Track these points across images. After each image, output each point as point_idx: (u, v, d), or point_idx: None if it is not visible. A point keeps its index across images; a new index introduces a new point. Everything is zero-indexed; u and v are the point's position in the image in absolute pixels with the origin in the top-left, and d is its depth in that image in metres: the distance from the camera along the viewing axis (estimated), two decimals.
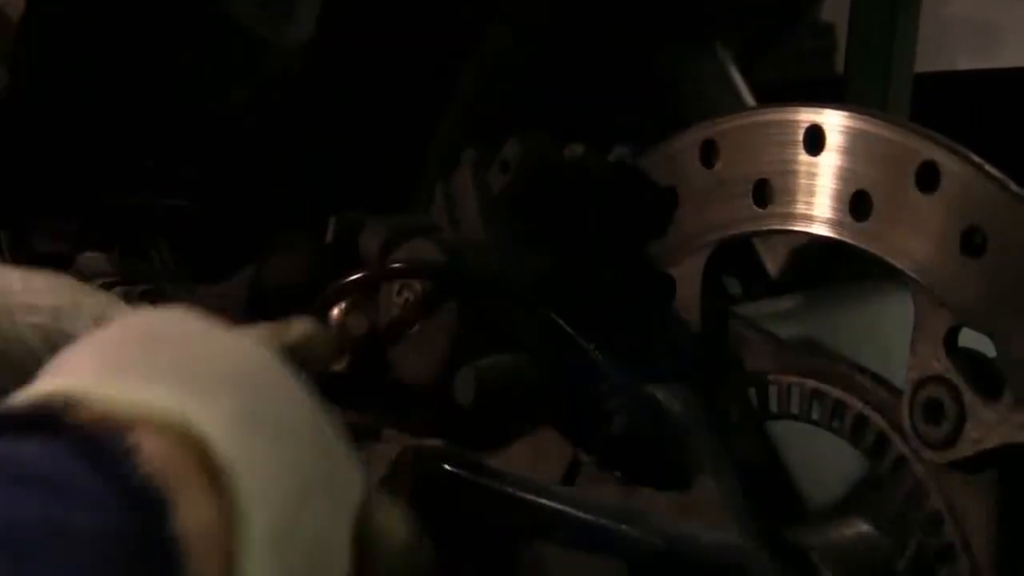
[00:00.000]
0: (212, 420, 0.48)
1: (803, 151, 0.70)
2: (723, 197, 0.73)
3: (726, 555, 0.63)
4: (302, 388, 0.52)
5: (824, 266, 0.83)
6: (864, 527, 0.70)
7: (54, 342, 0.65)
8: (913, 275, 0.65)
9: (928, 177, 0.65)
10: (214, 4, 0.95)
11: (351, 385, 0.81)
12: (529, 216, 0.78)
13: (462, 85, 1.16)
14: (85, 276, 1.09)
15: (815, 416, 0.70)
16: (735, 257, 0.79)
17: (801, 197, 0.70)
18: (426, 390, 0.75)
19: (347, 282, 0.74)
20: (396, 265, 0.77)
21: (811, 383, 0.70)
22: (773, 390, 0.71)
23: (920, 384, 0.65)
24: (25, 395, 0.46)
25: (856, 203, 0.68)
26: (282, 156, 1.24)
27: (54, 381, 0.47)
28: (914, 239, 0.65)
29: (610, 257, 0.78)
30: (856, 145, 0.68)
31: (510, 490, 0.60)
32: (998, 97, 1.56)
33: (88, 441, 0.45)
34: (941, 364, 0.64)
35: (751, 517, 0.68)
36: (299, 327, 0.60)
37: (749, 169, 0.72)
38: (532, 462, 0.70)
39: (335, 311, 0.83)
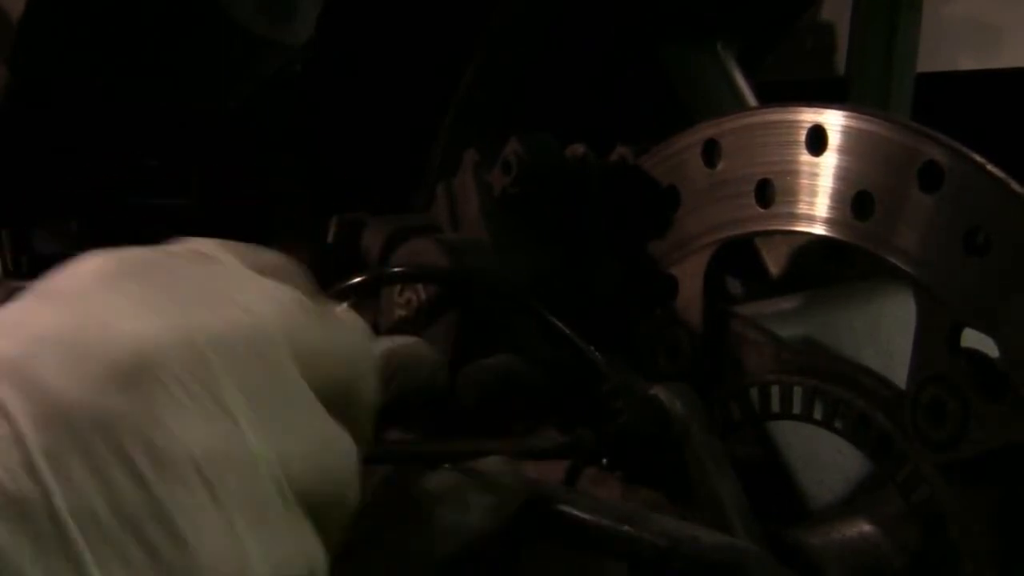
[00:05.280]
0: None
1: (805, 151, 0.70)
2: (725, 197, 0.74)
3: (727, 555, 0.63)
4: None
5: (826, 266, 0.83)
6: (866, 527, 0.70)
7: None
8: (915, 275, 0.65)
9: (930, 177, 0.65)
10: (214, 4, 0.94)
11: None
12: (530, 216, 0.78)
13: (462, 85, 1.16)
14: None
15: (817, 416, 0.70)
16: (737, 257, 0.79)
17: (803, 197, 0.70)
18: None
19: (349, 284, 0.74)
20: (399, 269, 0.77)
21: (813, 383, 0.70)
22: (774, 390, 0.71)
23: (923, 384, 0.65)
24: None
25: (858, 203, 0.68)
26: (283, 156, 1.24)
27: None
28: (916, 239, 0.65)
29: (611, 257, 0.78)
30: (858, 145, 0.68)
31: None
32: (999, 97, 1.56)
33: None
34: (944, 364, 0.64)
35: (752, 517, 0.68)
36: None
37: (751, 169, 0.72)
38: (534, 463, 0.69)
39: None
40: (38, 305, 0.45)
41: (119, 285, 0.46)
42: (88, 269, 0.47)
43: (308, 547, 0.46)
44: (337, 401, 0.48)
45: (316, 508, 0.46)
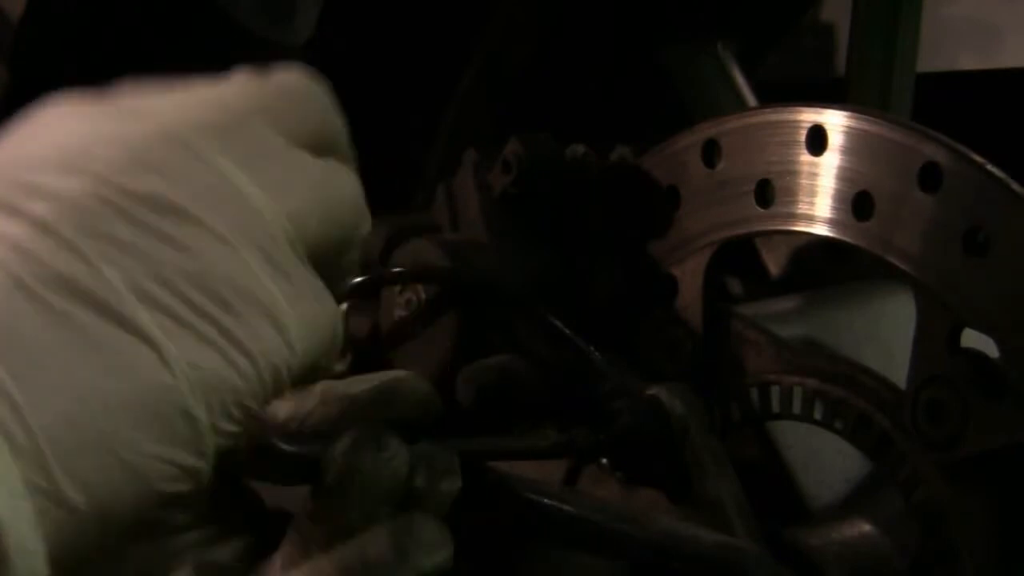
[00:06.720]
0: None
1: (805, 151, 0.70)
2: (725, 197, 0.73)
3: (728, 555, 0.63)
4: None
5: (826, 266, 0.83)
6: (866, 527, 0.70)
7: None
8: (915, 275, 0.65)
9: (930, 177, 0.65)
10: (214, 4, 0.94)
11: None
12: (530, 216, 0.78)
13: (462, 85, 1.16)
14: None
15: (817, 416, 0.70)
16: (737, 257, 0.79)
17: (803, 197, 0.70)
18: None
19: (350, 285, 0.74)
20: (399, 269, 0.77)
21: (813, 383, 0.70)
22: (775, 390, 0.71)
23: (922, 384, 0.65)
24: None
25: (858, 203, 0.68)
26: None
27: None
28: (916, 239, 0.65)
29: (611, 257, 0.78)
30: (858, 145, 0.68)
31: (512, 490, 0.59)
32: (1000, 97, 1.56)
33: None
34: (944, 364, 0.64)
35: (752, 517, 0.68)
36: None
37: (751, 169, 0.72)
38: (534, 463, 0.69)
39: None
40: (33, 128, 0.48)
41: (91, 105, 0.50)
42: (55, 111, 0.50)
43: (326, 302, 0.49)
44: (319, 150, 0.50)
45: (327, 257, 0.49)
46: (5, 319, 0.41)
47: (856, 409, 0.68)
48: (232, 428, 0.45)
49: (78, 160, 0.45)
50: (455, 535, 0.50)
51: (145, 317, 0.42)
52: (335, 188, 0.51)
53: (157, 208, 0.44)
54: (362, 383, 0.52)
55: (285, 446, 0.48)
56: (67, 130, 0.47)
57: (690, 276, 0.75)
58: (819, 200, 0.69)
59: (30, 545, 0.40)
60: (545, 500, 0.60)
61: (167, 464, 0.43)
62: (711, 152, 0.74)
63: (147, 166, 0.45)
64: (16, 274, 0.42)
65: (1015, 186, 0.62)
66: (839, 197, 0.68)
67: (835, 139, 0.69)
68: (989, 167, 0.63)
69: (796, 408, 0.71)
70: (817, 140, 0.69)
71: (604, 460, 0.71)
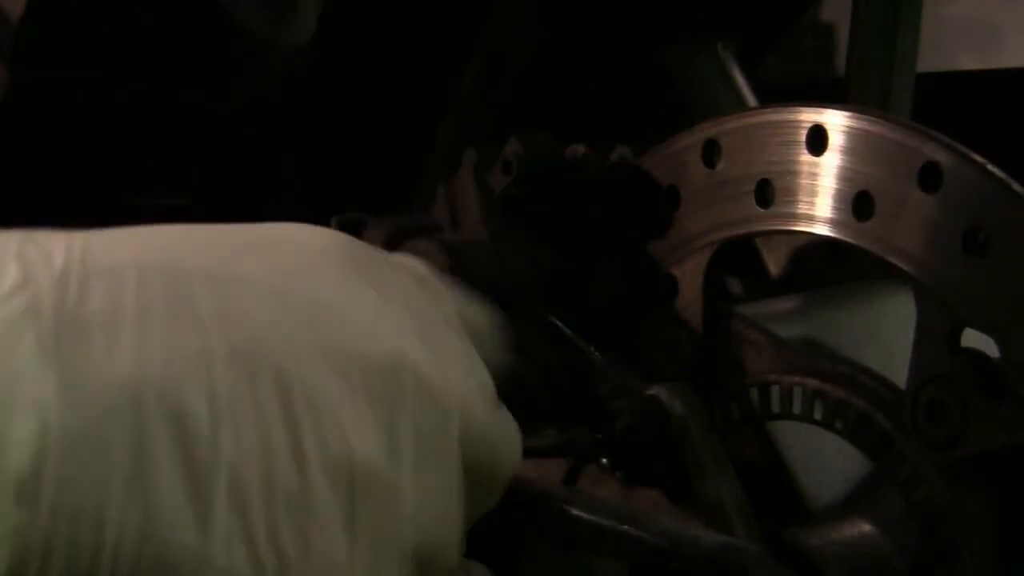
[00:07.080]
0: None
1: (805, 151, 0.70)
2: (725, 197, 0.73)
3: (728, 556, 0.63)
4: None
5: (826, 266, 0.83)
6: (866, 527, 0.70)
7: None
8: (915, 275, 0.65)
9: (930, 177, 0.65)
10: (214, 4, 0.94)
11: None
12: (530, 216, 0.78)
13: (462, 85, 1.16)
14: None
15: (817, 416, 0.70)
16: (737, 257, 0.79)
17: (803, 197, 0.70)
18: None
19: None
20: None
21: (813, 383, 0.70)
22: (775, 390, 0.71)
23: (923, 384, 0.65)
24: None
25: (858, 203, 0.68)
26: (283, 156, 1.24)
27: None
28: (916, 239, 0.65)
29: (611, 257, 0.78)
30: (858, 145, 0.68)
31: (512, 490, 0.59)
32: (1000, 97, 1.56)
33: None
34: (944, 364, 0.64)
35: (752, 517, 0.68)
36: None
37: (751, 169, 0.72)
38: (533, 463, 0.70)
39: None
40: (268, 275, 0.48)
41: (355, 284, 0.49)
42: (314, 247, 0.50)
43: None
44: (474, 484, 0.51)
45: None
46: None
47: (856, 409, 0.68)
48: None
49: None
50: None
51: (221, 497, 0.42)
52: (453, 534, 0.50)
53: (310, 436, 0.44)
54: None
55: None
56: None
57: (690, 276, 0.75)
58: (819, 200, 0.69)
59: None
60: (546, 500, 0.60)
61: None
62: (711, 152, 0.74)
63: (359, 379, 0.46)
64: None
65: (1015, 186, 0.62)
66: (839, 197, 0.68)
67: (835, 139, 0.69)
68: (989, 167, 0.63)
69: (796, 408, 0.71)
70: (817, 140, 0.69)
71: (604, 460, 0.71)
